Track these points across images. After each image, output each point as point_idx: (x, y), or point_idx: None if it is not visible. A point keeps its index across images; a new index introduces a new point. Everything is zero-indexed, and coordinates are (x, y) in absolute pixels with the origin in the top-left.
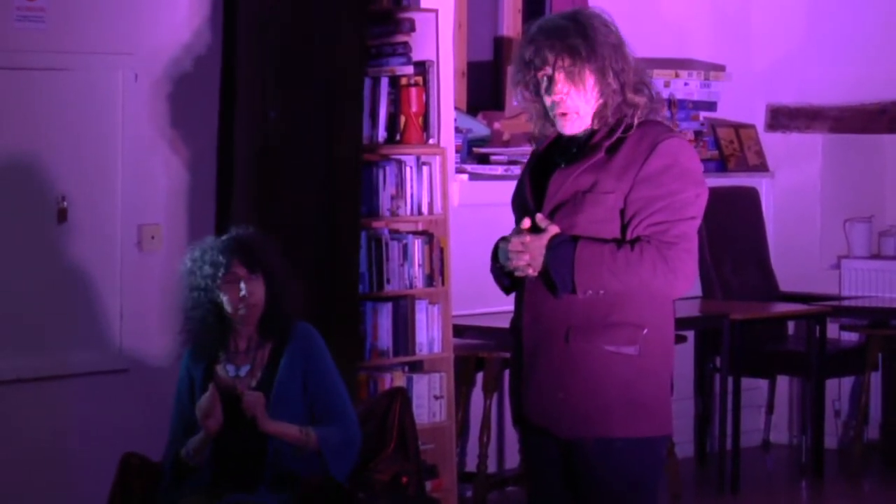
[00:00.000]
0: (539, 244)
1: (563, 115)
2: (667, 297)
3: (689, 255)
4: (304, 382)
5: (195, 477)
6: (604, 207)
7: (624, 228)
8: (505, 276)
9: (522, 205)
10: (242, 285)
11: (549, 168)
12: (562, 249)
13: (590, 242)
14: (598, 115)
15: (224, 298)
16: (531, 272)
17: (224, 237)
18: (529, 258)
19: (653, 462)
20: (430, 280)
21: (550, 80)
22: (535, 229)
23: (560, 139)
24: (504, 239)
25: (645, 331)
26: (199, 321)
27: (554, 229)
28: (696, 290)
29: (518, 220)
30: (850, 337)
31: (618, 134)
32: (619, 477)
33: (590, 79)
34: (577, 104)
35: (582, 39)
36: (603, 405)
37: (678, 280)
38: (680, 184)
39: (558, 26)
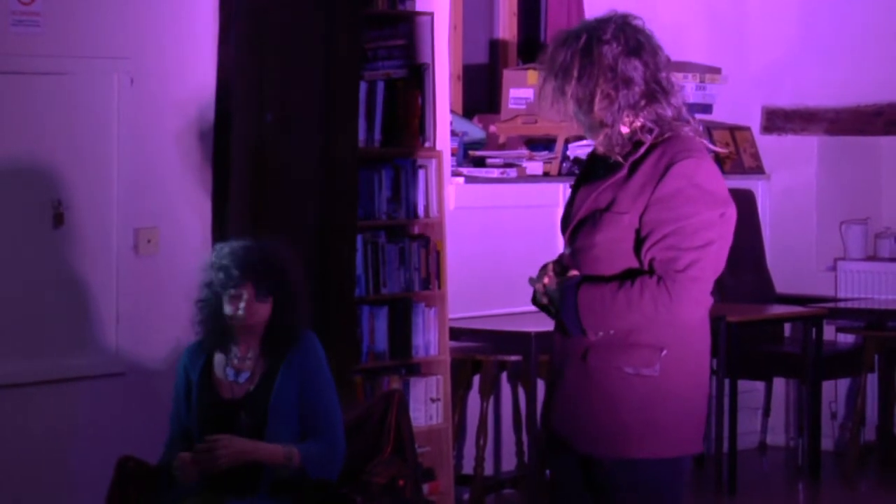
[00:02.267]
0: (555, 290)
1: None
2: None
3: (696, 284)
4: (300, 392)
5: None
6: (619, 227)
7: (639, 247)
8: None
9: (564, 212)
10: (243, 305)
11: (591, 177)
12: (567, 296)
13: (591, 287)
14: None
15: (226, 307)
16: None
17: (248, 247)
18: (548, 301)
19: (673, 481)
20: (426, 283)
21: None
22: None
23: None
24: (539, 271)
25: (664, 352)
26: (206, 316)
27: (572, 274)
28: None
29: (562, 228)
30: (847, 339)
31: (641, 151)
32: (639, 496)
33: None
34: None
35: (578, 60)
36: (621, 425)
37: (683, 309)
38: (693, 207)
39: (560, 43)
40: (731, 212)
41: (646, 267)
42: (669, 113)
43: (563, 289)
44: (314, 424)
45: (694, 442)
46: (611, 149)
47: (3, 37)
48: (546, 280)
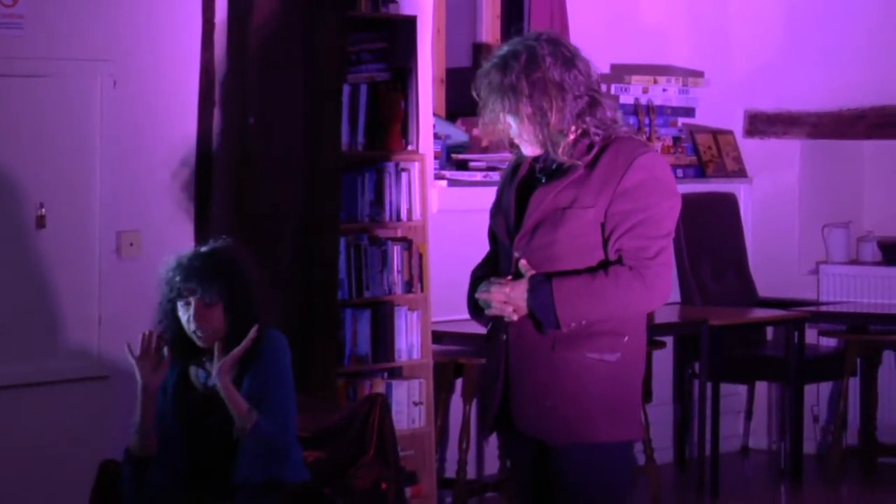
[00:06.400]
0: (520, 293)
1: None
2: (645, 312)
3: (665, 270)
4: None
5: (172, 485)
6: (583, 222)
7: (606, 242)
8: (484, 318)
9: (504, 219)
10: (192, 312)
11: (531, 184)
12: (540, 290)
13: (565, 279)
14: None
15: (181, 318)
16: (515, 318)
17: (190, 255)
18: (513, 308)
19: (628, 464)
20: (409, 286)
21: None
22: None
23: (540, 156)
24: (486, 285)
25: (626, 338)
26: (167, 330)
27: (530, 273)
28: (675, 295)
29: (496, 231)
30: (829, 342)
31: (595, 151)
32: (597, 479)
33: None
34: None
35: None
36: (588, 411)
37: (654, 296)
38: (657, 197)
39: (498, 66)
40: (678, 206)
41: (612, 258)
42: (609, 114)
43: (534, 285)
44: (266, 411)
45: (641, 425)
46: (570, 155)
47: None
48: (507, 289)
